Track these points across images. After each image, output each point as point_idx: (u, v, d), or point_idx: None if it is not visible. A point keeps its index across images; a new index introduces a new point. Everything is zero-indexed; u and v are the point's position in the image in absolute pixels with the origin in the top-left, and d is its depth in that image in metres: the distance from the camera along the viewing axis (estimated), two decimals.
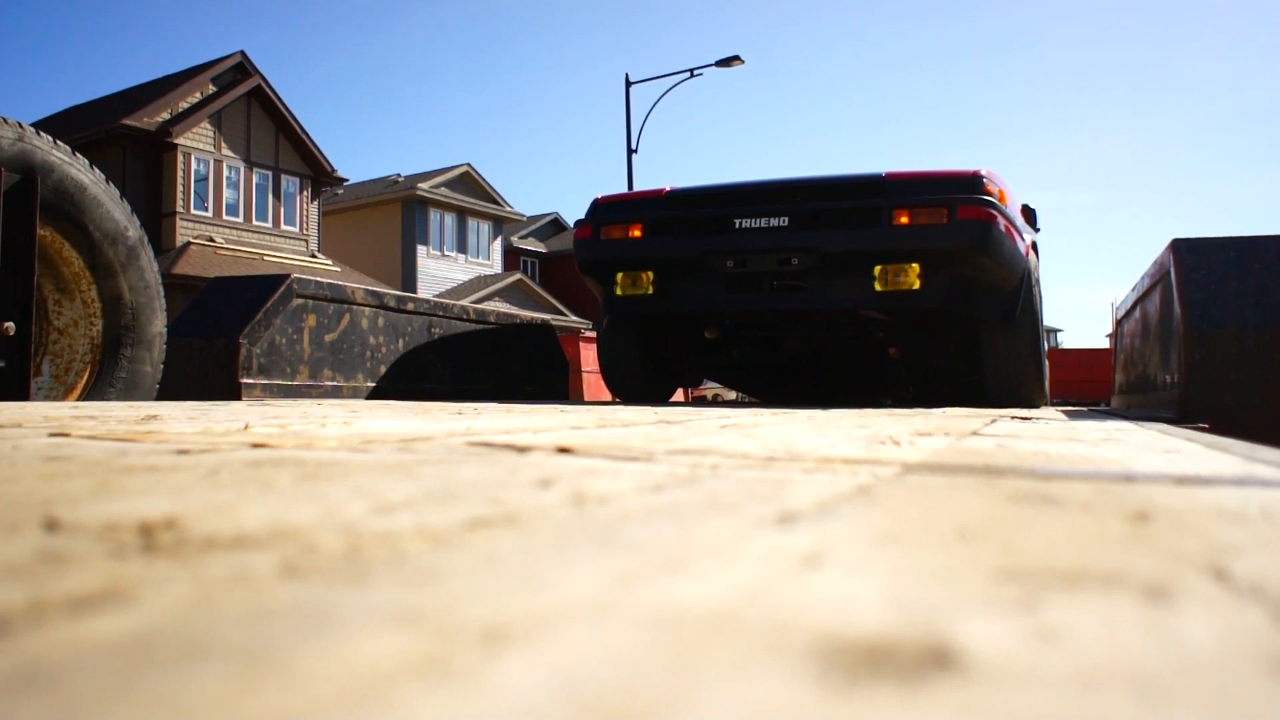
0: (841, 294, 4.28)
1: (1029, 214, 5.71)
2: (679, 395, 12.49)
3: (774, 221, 4.30)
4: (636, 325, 5.04)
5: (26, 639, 0.32)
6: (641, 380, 5.14)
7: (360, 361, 4.79)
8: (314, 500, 0.66)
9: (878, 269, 4.18)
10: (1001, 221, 4.12)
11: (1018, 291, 4.41)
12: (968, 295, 4.27)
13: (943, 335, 5.05)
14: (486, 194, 25.42)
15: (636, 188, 13.93)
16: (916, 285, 4.12)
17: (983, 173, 4.23)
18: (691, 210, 4.57)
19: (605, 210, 4.77)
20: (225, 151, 18.45)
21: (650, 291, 4.57)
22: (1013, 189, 4.94)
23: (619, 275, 4.65)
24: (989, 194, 4.15)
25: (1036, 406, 4.54)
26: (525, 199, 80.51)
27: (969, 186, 4.16)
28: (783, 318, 4.89)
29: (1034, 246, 4.93)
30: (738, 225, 4.36)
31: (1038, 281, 4.93)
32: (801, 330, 5.12)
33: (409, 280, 22.82)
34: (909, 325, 4.96)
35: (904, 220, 4.10)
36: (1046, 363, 5.83)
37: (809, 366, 5.87)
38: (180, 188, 17.56)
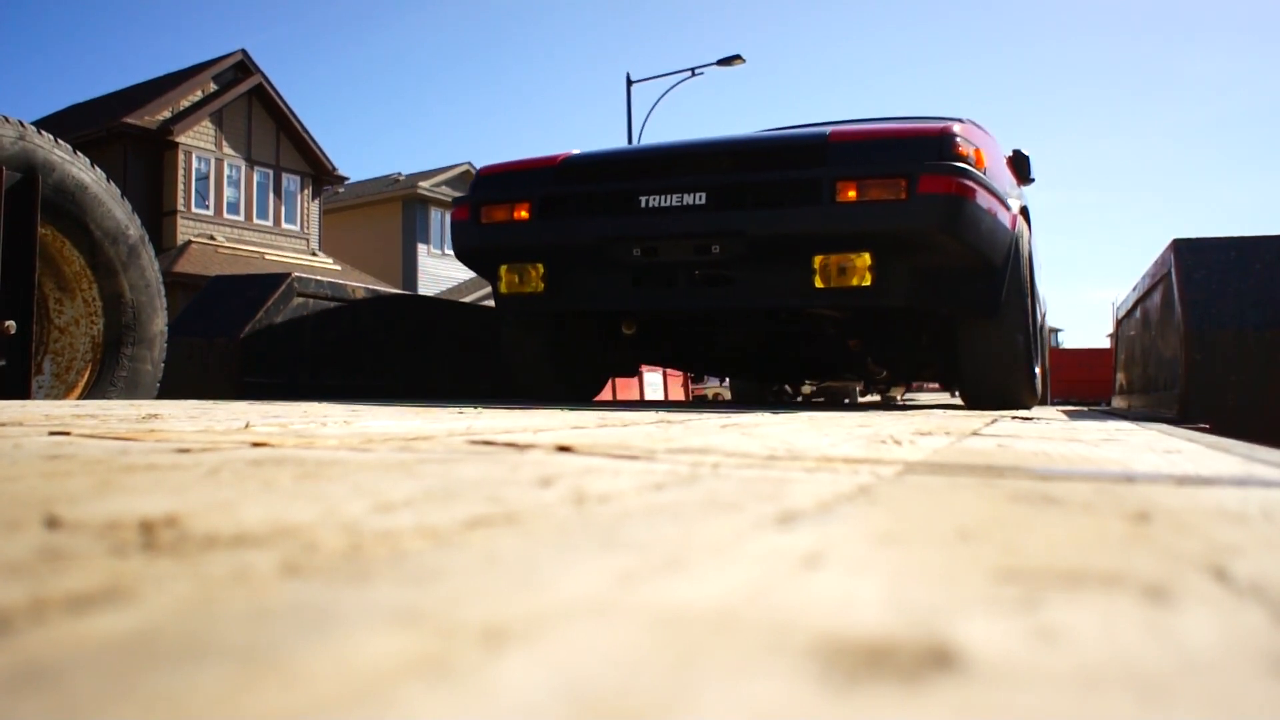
0: (776, 290, 3.45)
1: (1019, 164, 4.71)
2: (680, 395, 12.49)
3: (689, 198, 3.41)
4: (544, 318, 4.20)
5: (27, 637, 0.32)
6: (554, 378, 4.34)
7: (361, 360, 4.79)
8: (315, 499, 0.66)
9: (818, 260, 3.29)
10: (978, 193, 3.24)
11: (1001, 274, 3.56)
12: (936, 288, 3.43)
13: (911, 325, 4.30)
14: None
15: None
16: (867, 281, 3.24)
17: (954, 130, 3.30)
18: (589, 185, 3.66)
19: (488, 185, 3.85)
20: (226, 150, 18.45)
21: (541, 288, 3.73)
22: (996, 142, 4.12)
23: (502, 269, 3.79)
24: (961, 157, 3.24)
25: (1027, 408, 3.81)
26: None
27: (935, 149, 3.24)
28: (708, 315, 4.12)
29: (1024, 212, 3.98)
30: (644, 204, 3.46)
31: (1030, 255, 3.97)
32: (735, 326, 4.33)
33: (410, 279, 22.82)
34: (867, 317, 4.22)
35: (851, 195, 3.20)
36: (1042, 354, 5.12)
37: (764, 351, 5.03)
38: (181, 186, 17.56)
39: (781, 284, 3.43)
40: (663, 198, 3.45)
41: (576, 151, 3.86)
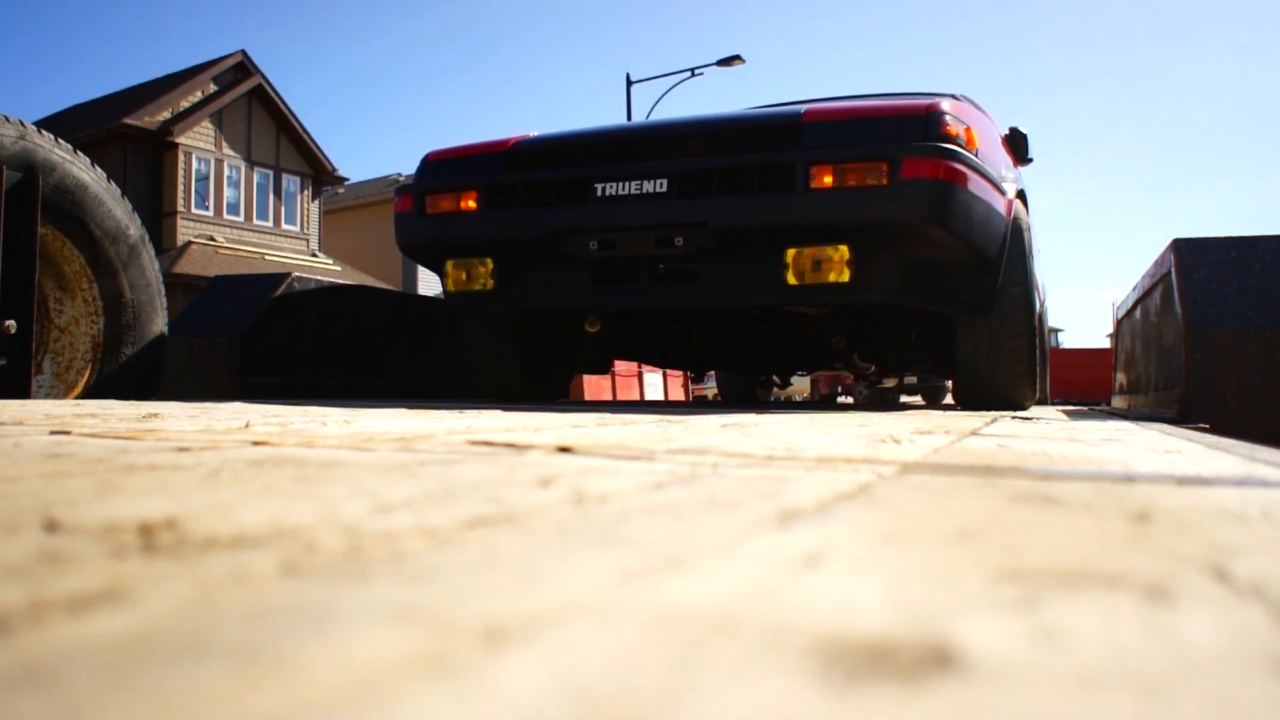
0: (746, 287, 3.17)
1: (1015, 143, 4.40)
2: (680, 395, 12.48)
3: (649, 186, 3.11)
4: (505, 316, 3.93)
5: (26, 638, 0.32)
6: (519, 378, 4.08)
7: (361, 360, 4.79)
8: (314, 499, 0.66)
9: (790, 254, 3.01)
10: (969, 178, 2.95)
11: (995, 266, 3.28)
12: (922, 284, 3.15)
13: (898, 321, 4.06)
14: None
15: None
16: (845, 276, 2.95)
17: (941, 106, 3.00)
18: (541, 172, 3.33)
19: (434, 172, 3.56)
20: (226, 150, 18.45)
21: (490, 285, 3.42)
22: (992, 120, 3.88)
23: (449, 265, 3.49)
24: (950, 138, 2.95)
25: (1024, 408, 3.57)
26: None
27: (920, 129, 2.94)
28: (677, 312, 3.85)
29: (1021, 195, 3.65)
30: (601, 192, 3.17)
31: (1028, 242, 3.62)
32: (708, 323, 4.05)
33: (410, 279, 22.82)
34: (848, 314, 3.96)
35: (826, 181, 2.91)
36: (1041, 349, 4.83)
37: (743, 347, 4.76)
38: (181, 187, 17.55)
39: (752, 280, 3.16)
40: (621, 185, 3.16)
41: (521, 136, 3.54)
